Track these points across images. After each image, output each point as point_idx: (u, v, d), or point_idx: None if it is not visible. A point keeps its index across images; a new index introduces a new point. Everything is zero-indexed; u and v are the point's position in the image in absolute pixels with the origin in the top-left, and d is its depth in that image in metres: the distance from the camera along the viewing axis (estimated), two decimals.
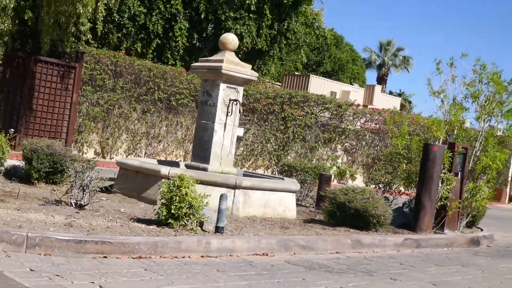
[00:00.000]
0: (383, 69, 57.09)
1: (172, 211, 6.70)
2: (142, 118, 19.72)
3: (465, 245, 9.80)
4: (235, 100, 9.64)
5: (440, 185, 9.86)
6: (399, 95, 76.22)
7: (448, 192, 9.89)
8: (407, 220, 9.96)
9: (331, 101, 23.12)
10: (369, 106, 30.36)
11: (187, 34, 24.63)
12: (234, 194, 8.67)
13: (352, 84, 38.16)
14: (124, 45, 23.62)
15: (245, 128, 21.73)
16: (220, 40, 9.93)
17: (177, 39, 24.31)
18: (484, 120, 10.72)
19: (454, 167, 10.09)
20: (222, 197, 7.04)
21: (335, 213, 8.90)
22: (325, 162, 22.72)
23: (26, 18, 16.38)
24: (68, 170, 8.03)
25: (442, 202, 9.90)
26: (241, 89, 9.85)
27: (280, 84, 33.77)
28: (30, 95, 16.91)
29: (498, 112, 10.78)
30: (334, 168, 22.44)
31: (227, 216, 8.43)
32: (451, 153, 9.95)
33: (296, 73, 35.96)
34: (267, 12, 25.49)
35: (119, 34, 23.53)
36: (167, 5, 23.72)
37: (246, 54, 26.93)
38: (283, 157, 21.82)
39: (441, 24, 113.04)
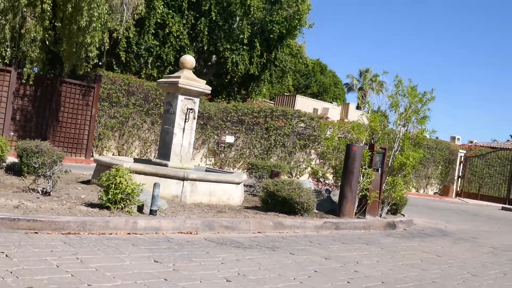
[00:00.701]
0: (362, 91, 56.51)
1: (109, 196, 6.39)
2: (152, 128, 19.47)
3: (382, 228, 9.36)
4: (191, 109, 9.34)
5: (361, 178, 9.46)
6: (376, 111, 74.96)
7: (369, 184, 9.48)
8: (335, 207, 9.57)
9: (305, 114, 22.74)
10: (345, 120, 29.95)
11: None
12: (183, 185, 8.34)
13: (331, 103, 37.74)
14: (144, 71, 23.51)
15: (235, 137, 21.43)
16: (180, 60, 9.66)
17: None
18: (401, 125, 10.30)
19: (374, 163, 9.68)
20: (155, 185, 6.71)
21: (268, 201, 8.54)
22: (301, 163, 22.36)
23: (52, 48, 16.30)
24: (34, 163, 7.72)
25: (363, 193, 9.49)
26: (197, 100, 9.54)
27: (273, 102, 33.46)
28: (57, 109, 16.78)
29: (414, 119, 10.36)
30: (309, 168, 22.02)
31: (176, 202, 8.16)
32: (370, 152, 9.55)
33: (285, 93, 35.70)
34: (257, 44, 25.30)
35: (140, 62, 23.40)
36: (177, 39, 23.57)
37: (242, 78, 26.82)
38: (267, 159, 21.45)
39: (411, 51, 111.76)
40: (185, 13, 23.92)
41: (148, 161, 10.37)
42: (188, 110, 9.31)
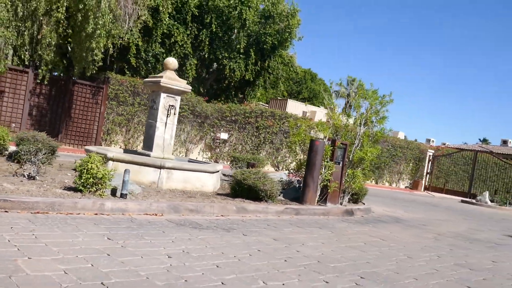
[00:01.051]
0: (349, 98, 56.15)
1: (82, 180, 6.18)
2: None
3: (340, 215, 9.10)
4: (172, 106, 9.12)
5: (323, 170, 9.22)
6: (342, 112, 74.50)
7: (330, 175, 9.23)
8: (299, 195, 9.32)
9: (291, 116, 22.48)
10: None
11: (196, 68, 24.35)
12: (159, 172, 8.12)
13: (319, 106, 37.42)
14: (152, 75, 23.31)
15: (229, 134, 21.19)
16: (164, 62, 9.44)
17: (188, 72, 23.95)
18: (362, 124, 10.03)
19: (335, 157, 9.43)
20: (125, 171, 6.49)
21: (236, 188, 8.30)
22: (287, 158, 22.09)
23: (65, 52, 16.11)
24: (21, 151, 7.49)
25: (325, 183, 9.24)
26: (178, 97, 9.30)
27: (268, 105, 33.19)
28: (69, 107, 16.59)
29: (374, 119, 10.10)
30: (294, 163, 21.73)
31: (153, 188, 7.93)
32: (332, 147, 9.30)
33: (279, 98, 35.45)
34: (252, 54, 25.06)
35: (148, 67, 23.18)
36: (182, 48, 23.34)
37: (239, 83, 26.60)
38: (257, 154, 21.21)
39: (390, 62, 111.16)
40: (189, 25, 23.67)
41: (135, 152, 10.16)
42: (170, 107, 9.10)
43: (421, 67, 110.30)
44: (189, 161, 10.20)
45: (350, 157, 9.84)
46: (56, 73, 16.28)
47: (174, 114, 9.12)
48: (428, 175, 28.02)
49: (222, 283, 3.80)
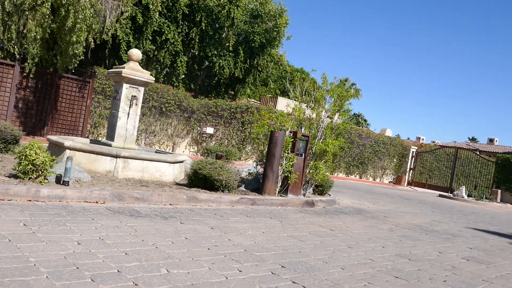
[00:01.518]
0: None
1: (21, 167, 5.85)
2: (142, 119, 18.92)
3: (300, 206, 8.74)
4: (135, 96, 8.78)
5: (284, 161, 8.87)
6: (358, 115, 74.57)
7: (290, 166, 8.88)
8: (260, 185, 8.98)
9: (275, 111, 22.05)
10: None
11: (187, 66, 24.08)
12: (116, 161, 7.78)
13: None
14: None
15: (215, 129, 20.85)
16: (128, 53, 9.08)
17: (179, 69, 23.63)
18: (326, 116, 9.68)
19: (296, 149, 9.08)
20: (67, 159, 6.15)
21: (192, 178, 7.96)
22: None
23: (51, 45, 15.77)
24: None
25: (286, 174, 8.90)
26: (142, 88, 8.96)
27: (259, 102, 32.80)
28: (55, 100, 16.27)
29: (337, 111, 9.74)
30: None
31: (108, 177, 7.60)
32: (293, 139, 8.95)
33: (269, 95, 35.12)
34: (241, 51, 24.80)
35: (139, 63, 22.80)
36: (172, 45, 22.98)
37: (230, 80, 26.30)
38: (242, 148, 20.89)
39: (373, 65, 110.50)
40: (179, 23, 23.32)
41: (99, 142, 9.83)
42: (133, 97, 8.76)
43: (419, 68, 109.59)
44: (156, 152, 9.85)
45: (313, 149, 9.48)
46: (42, 67, 15.95)
47: (137, 104, 8.78)
48: (411, 170, 27.64)
49: (118, 271, 3.46)
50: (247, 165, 12.25)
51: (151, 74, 8.28)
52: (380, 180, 26.69)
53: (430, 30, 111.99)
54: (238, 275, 3.85)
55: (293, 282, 3.88)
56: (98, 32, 14.60)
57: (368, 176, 26.07)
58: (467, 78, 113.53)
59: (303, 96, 10.29)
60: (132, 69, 8.66)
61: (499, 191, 21.84)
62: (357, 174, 25.26)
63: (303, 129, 9.58)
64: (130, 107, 8.74)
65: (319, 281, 4.03)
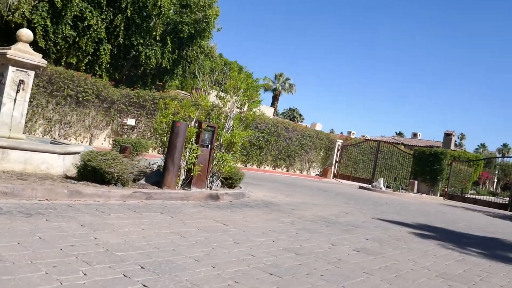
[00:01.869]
0: (276, 91, 56.08)
1: None
2: (56, 109, 17.63)
3: (202, 199, 8.31)
4: (23, 81, 7.92)
5: (188, 153, 8.41)
6: (293, 110, 75.60)
7: (195, 158, 8.44)
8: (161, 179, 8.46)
9: (201, 104, 21.50)
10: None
11: (111, 54, 22.88)
12: None
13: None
14: (64, 59, 21.58)
15: (137, 120, 19.95)
16: (16, 33, 8.16)
17: (102, 57, 22.39)
18: (235, 107, 9.33)
19: (201, 140, 8.65)
20: None
21: (81, 170, 7.29)
22: None
23: None
24: None
25: (189, 166, 8.45)
26: (32, 72, 8.10)
27: (189, 94, 32.04)
28: None
29: (247, 102, 9.43)
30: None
31: None
32: (197, 129, 8.51)
33: (198, 87, 34.45)
34: (169, 41, 23.99)
35: (58, 50, 21.32)
36: (95, 32, 21.66)
37: (158, 70, 25.43)
38: (166, 140, 20.14)
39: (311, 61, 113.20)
40: (103, 9, 22.05)
41: None
42: (20, 82, 7.89)
43: (355, 66, 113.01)
44: (51, 143, 9.02)
45: (220, 140, 9.10)
46: None
47: (24, 90, 7.92)
48: (337, 163, 28.21)
49: None
50: (159, 157, 11.64)
51: (69, 61, 7.58)
52: (307, 173, 27.00)
53: (367, 31, 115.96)
54: (79, 279, 3.34)
55: (144, 286, 3.44)
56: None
57: (295, 169, 26.26)
58: (398, 77, 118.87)
59: (214, 86, 9.86)
60: (20, 50, 7.79)
61: (416, 182, 22.80)
62: (284, 167, 25.34)
63: (210, 120, 9.16)
64: (17, 92, 7.86)
65: (176, 282, 3.62)
